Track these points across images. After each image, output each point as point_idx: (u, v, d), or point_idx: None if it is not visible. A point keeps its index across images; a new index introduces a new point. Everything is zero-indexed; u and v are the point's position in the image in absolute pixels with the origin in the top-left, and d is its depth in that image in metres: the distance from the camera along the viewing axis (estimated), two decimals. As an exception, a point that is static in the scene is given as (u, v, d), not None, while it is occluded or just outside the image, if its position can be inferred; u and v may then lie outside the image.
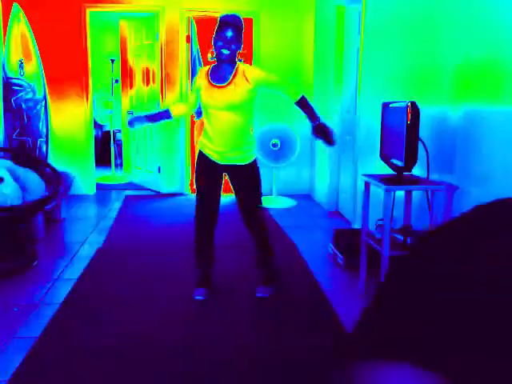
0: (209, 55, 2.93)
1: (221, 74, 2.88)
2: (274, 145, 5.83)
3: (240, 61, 2.90)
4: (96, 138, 7.23)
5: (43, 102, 5.18)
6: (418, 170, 2.97)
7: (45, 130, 5.21)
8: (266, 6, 6.08)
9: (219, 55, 2.82)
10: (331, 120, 5.36)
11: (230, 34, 2.78)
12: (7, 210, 3.57)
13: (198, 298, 3.02)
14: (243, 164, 2.93)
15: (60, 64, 5.87)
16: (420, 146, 2.72)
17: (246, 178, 2.98)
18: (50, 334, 2.60)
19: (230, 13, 2.92)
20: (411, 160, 2.63)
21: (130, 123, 3.06)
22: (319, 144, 5.91)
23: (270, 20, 6.10)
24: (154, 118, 3.15)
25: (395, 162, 2.79)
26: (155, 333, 2.64)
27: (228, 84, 2.85)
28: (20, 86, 4.99)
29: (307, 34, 6.16)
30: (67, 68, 5.90)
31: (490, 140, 2.48)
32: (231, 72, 2.87)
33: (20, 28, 5.00)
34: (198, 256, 3.12)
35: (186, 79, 6.18)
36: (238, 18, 2.87)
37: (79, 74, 5.96)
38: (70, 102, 5.99)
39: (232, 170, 2.96)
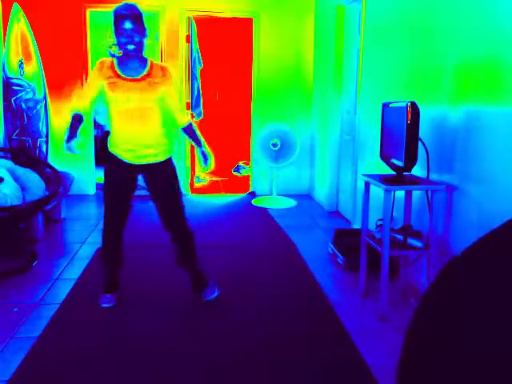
0: (114, 48, 2.76)
1: (131, 67, 2.70)
2: (274, 145, 5.83)
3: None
4: (96, 138, 7.22)
5: (43, 102, 5.18)
6: (418, 170, 2.97)
7: (45, 130, 5.21)
8: (266, 6, 6.08)
9: (125, 51, 2.64)
10: (331, 120, 5.37)
11: (129, 26, 2.57)
12: (7, 210, 3.57)
13: (105, 305, 2.89)
14: (159, 162, 2.80)
15: (60, 64, 5.87)
16: (420, 145, 2.72)
17: (164, 176, 2.85)
18: (49, 334, 2.60)
19: (124, 3, 2.65)
20: (411, 160, 2.64)
21: (69, 149, 2.85)
22: (319, 144, 5.93)
23: (270, 20, 6.10)
24: (73, 130, 2.84)
25: (395, 162, 2.80)
26: (155, 332, 2.64)
27: (141, 78, 2.69)
28: (20, 86, 4.99)
29: (307, 34, 6.17)
30: (67, 68, 5.90)
31: (489, 140, 2.48)
32: (144, 66, 2.71)
33: (20, 28, 5.00)
34: (104, 259, 2.95)
35: (186, 79, 6.18)
36: (134, 6, 2.64)
37: (79, 74, 5.96)
38: (70, 102, 5.99)
39: (147, 169, 2.82)
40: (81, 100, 2.83)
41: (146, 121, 2.73)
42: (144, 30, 2.66)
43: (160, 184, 2.87)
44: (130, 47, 2.62)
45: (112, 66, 2.70)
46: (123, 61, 2.71)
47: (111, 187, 2.84)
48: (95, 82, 2.73)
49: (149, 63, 2.74)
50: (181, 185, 2.95)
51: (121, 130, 2.77)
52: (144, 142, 2.77)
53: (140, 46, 2.65)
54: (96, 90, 2.75)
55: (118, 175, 2.84)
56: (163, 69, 2.78)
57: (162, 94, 2.76)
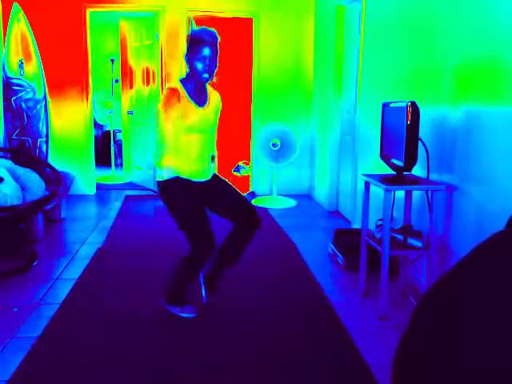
0: (186, 70, 2.68)
1: (201, 95, 2.72)
2: (274, 145, 5.83)
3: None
4: (96, 138, 7.23)
5: (43, 102, 5.18)
6: (418, 170, 2.97)
7: (45, 130, 5.21)
8: (266, 6, 6.08)
9: (198, 78, 2.63)
10: (331, 120, 5.37)
11: (208, 53, 2.57)
12: (7, 210, 3.57)
13: (190, 315, 2.80)
14: (214, 173, 2.89)
15: (60, 64, 5.87)
16: (420, 145, 2.72)
17: (223, 181, 2.91)
18: (49, 334, 2.60)
19: (203, 28, 2.65)
20: (411, 160, 2.64)
21: None
22: (319, 144, 5.93)
23: (270, 20, 6.10)
24: None
25: (395, 161, 2.80)
26: (155, 333, 2.64)
27: (207, 105, 2.75)
28: (20, 86, 4.99)
29: (307, 34, 6.17)
30: (67, 68, 5.90)
31: (489, 140, 2.48)
32: (206, 91, 2.77)
33: (20, 28, 5.00)
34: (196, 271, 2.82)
35: (186, 79, 6.17)
36: (215, 33, 2.64)
37: (79, 73, 5.96)
38: (70, 102, 5.99)
39: (209, 182, 2.83)
40: (168, 136, 2.65)
41: (207, 144, 2.78)
42: (217, 59, 2.66)
43: (226, 187, 2.89)
44: (206, 76, 2.62)
45: (182, 94, 2.64)
46: (191, 87, 2.68)
47: (191, 205, 2.71)
48: (172, 109, 2.61)
49: (207, 88, 2.78)
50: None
51: (186, 155, 2.71)
52: (206, 162, 2.80)
53: (212, 76, 2.67)
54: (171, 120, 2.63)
55: (193, 196, 2.73)
56: (214, 93, 2.84)
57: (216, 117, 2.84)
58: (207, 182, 2.82)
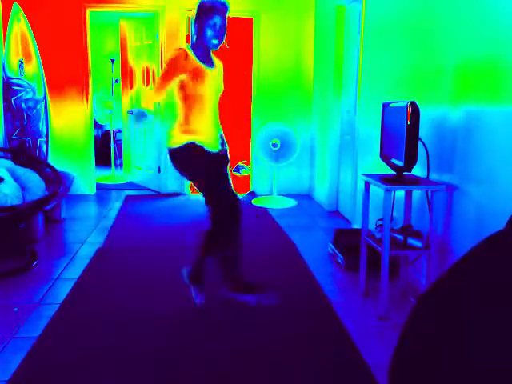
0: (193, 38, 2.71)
1: (209, 58, 2.79)
2: (274, 145, 5.83)
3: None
4: (96, 138, 7.23)
5: (43, 102, 5.18)
6: (418, 170, 2.97)
7: (45, 130, 5.21)
8: (266, 6, 6.08)
9: (207, 44, 2.69)
10: (331, 120, 5.37)
11: (219, 21, 2.63)
12: (7, 210, 3.57)
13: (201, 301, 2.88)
14: (224, 148, 2.89)
15: (60, 64, 5.87)
16: (420, 145, 2.72)
17: (227, 161, 2.93)
18: (50, 334, 2.60)
19: None
20: (411, 160, 2.64)
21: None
22: (319, 144, 5.93)
23: (270, 20, 6.10)
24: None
25: (395, 161, 2.80)
26: (155, 333, 2.64)
27: (215, 69, 2.83)
28: (20, 86, 4.99)
29: (307, 33, 6.17)
30: (67, 68, 5.90)
31: (489, 140, 2.48)
32: (212, 58, 2.84)
33: (20, 28, 5.00)
34: (226, 239, 2.80)
35: (186, 79, 6.17)
36: (226, 3, 2.70)
37: (79, 73, 5.96)
38: (70, 102, 6.00)
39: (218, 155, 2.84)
40: (161, 92, 2.69)
41: (216, 112, 2.85)
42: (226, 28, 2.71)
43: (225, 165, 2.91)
44: (215, 42, 2.68)
45: (192, 56, 2.69)
46: (201, 52, 2.73)
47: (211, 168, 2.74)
48: (179, 71, 2.64)
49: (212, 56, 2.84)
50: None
51: (200, 121, 2.74)
52: (217, 131, 2.85)
53: (220, 43, 2.72)
54: (176, 80, 2.67)
55: (213, 163, 2.76)
56: (220, 63, 2.93)
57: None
58: (217, 153, 2.81)
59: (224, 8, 2.66)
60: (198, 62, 2.70)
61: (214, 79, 2.78)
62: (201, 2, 2.68)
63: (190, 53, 2.70)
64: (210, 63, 2.80)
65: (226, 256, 2.84)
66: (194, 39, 2.73)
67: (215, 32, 2.65)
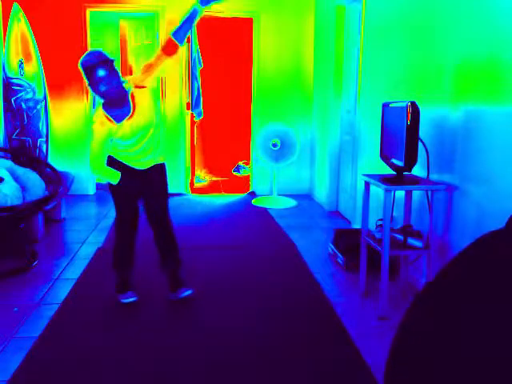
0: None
1: (123, 103, 2.68)
2: (274, 145, 5.83)
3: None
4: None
5: (43, 102, 5.18)
6: (418, 170, 2.97)
7: (45, 130, 5.21)
8: (266, 6, 6.08)
9: (107, 97, 2.60)
10: (331, 120, 5.37)
11: (104, 72, 2.52)
12: (7, 210, 3.57)
13: (130, 299, 3.00)
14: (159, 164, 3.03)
15: (60, 64, 5.88)
16: (420, 145, 2.72)
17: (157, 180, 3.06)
18: (49, 334, 2.60)
19: (87, 52, 2.64)
20: (411, 160, 2.64)
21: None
22: (319, 144, 5.93)
23: (269, 20, 6.10)
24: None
25: (395, 161, 2.80)
26: (155, 333, 2.64)
27: (132, 114, 2.69)
28: (20, 86, 4.99)
29: (307, 33, 6.17)
30: (67, 68, 5.91)
31: (490, 140, 2.48)
32: (128, 102, 2.69)
33: (20, 28, 5.00)
34: (118, 263, 3.09)
35: (186, 79, 6.18)
36: (99, 52, 2.57)
37: (79, 74, 5.94)
38: (70, 102, 6.00)
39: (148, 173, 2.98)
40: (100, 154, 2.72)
41: (150, 140, 2.88)
42: (117, 70, 2.60)
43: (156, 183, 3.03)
44: (112, 95, 2.59)
45: (105, 117, 2.66)
46: (111, 107, 2.66)
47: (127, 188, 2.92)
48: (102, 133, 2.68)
49: (129, 92, 2.70)
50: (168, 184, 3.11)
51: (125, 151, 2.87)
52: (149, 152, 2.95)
53: (120, 87, 2.60)
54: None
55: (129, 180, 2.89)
56: (143, 93, 2.76)
57: (152, 86, 2.85)
58: (147, 171, 2.94)
59: (100, 57, 2.54)
60: (110, 123, 2.66)
61: (131, 122, 2.69)
62: (80, 63, 2.59)
63: (104, 115, 2.66)
64: (124, 109, 2.68)
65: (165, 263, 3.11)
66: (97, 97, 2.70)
67: (105, 84, 2.54)
